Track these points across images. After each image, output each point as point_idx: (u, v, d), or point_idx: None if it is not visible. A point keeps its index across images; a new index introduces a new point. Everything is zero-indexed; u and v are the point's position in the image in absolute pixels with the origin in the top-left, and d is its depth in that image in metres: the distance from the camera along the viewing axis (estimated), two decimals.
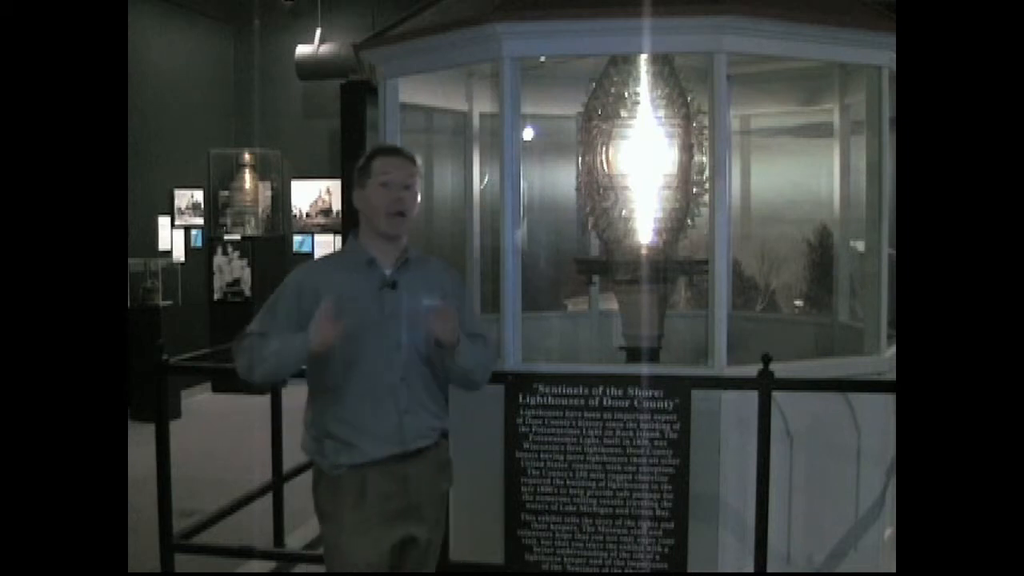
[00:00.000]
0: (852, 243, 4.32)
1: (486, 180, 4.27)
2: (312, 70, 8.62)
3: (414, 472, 2.55)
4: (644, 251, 3.85)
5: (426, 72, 3.90)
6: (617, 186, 3.88)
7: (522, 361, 3.43)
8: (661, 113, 3.83)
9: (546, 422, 3.21)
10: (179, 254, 8.65)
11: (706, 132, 3.58)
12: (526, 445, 3.22)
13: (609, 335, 4.66)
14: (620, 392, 3.16)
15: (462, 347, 2.52)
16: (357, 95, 7.71)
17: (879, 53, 3.55)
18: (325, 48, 8.57)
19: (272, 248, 9.05)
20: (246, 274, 8.84)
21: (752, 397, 3.11)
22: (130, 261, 7.48)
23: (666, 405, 3.13)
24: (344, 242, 2.79)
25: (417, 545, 2.59)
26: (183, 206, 8.76)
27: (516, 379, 3.24)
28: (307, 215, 9.29)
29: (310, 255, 8.87)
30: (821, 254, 5.83)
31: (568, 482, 3.19)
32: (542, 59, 3.98)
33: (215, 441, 6.95)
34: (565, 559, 3.20)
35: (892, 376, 3.50)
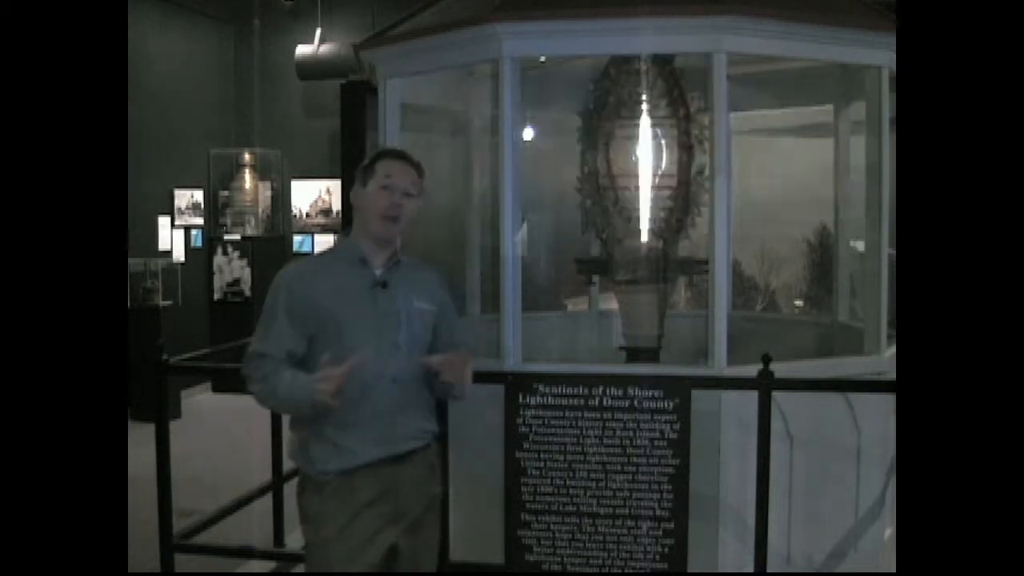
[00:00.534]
0: (852, 243, 4.32)
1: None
2: (312, 70, 8.62)
3: (404, 476, 2.51)
4: (644, 251, 3.85)
5: (426, 72, 3.90)
6: (617, 186, 3.89)
7: (522, 361, 3.43)
8: (661, 113, 3.83)
9: (546, 422, 3.21)
10: (179, 254, 8.65)
11: (706, 132, 3.58)
12: (526, 445, 3.22)
13: (609, 335, 4.66)
14: (620, 392, 3.15)
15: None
16: (357, 95, 7.71)
17: (879, 53, 3.55)
18: (325, 48, 8.56)
19: (272, 248, 9.05)
20: (246, 274, 8.85)
21: (752, 397, 3.11)
22: (130, 261, 7.48)
23: (666, 405, 3.12)
24: (340, 238, 2.78)
25: (409, 551, 2.54)
26: (183, 206, 8.76)
27: (516, 379, 3.24)
28: (307, 215, 9.29)
29: (310, 255, 8.87)
30: (821, 254, 5.84)
31: (568, 482, 3.19)
32: (542, 59, 3.98)
33: (215, 441, 6.95)
34: (565, 559, 3.20)
35: (892, 376, 3.50)
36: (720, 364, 3.31)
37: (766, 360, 3.09)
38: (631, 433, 3.14)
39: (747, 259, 6.22)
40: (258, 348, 2.50)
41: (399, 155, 2.67)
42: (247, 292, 8.79)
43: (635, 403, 3.14)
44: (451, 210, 4.78)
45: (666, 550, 3.13)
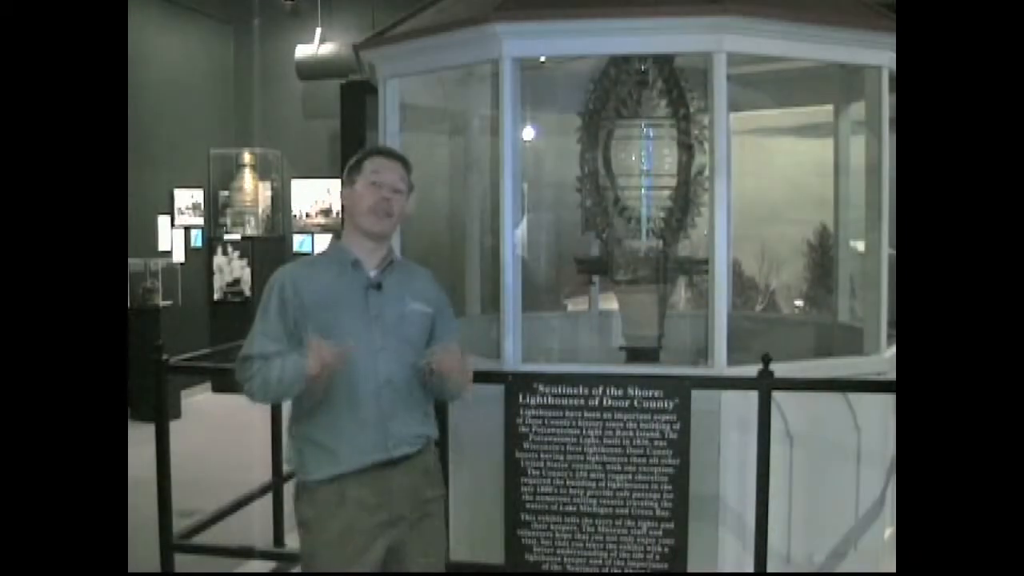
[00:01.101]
0: (852, 243, 4.32)
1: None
2: (312, 70, 8.62)
3: (398, 481, 2.48)
4: (644, 251, 3.85)
5: (426, 72, 3.90)
6: (617, 186, 3.89)
7: (522, 361, 3.43)
8: (661, 113, 3.83)
9: (546, 422, 3.21)
10: (179, 254, 8.65)
11: (706, 132, 3.58)
12: (526, 445, 3.22)
13: (609, 335, 4.66)
14: (620, 392, 3.15)
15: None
16: (357, 95, 7.71)
17: (879, 53, 3.55)
18: (325, 48, 8.56)
19: (272, 248, 9.05)
20: (246, 274, 8.84)
21: (752, 397, 3.11)
22: (130, 261, 7.48)
23: (666, 405, 3.12)
24: (332, 241, 2.76)
25: (412, 554, 2.51)
26: (183, 206, 8.75)
27: (516, 379, 3.24)
28: (307, 215, 9.29)
29: (303, 258, 8.86)
30: (821, 254, 5.84)
31: (568, 482, 3.19)
32: (542, 59, 3.98)
33: (215, 441, 6.95)
34: (565, 559, 3.20)
35: (892, 376, 3.50)
36: (720, 364, 3.31)
37: (766, 360, 3.09)
38: (631, 433, 3.14)
39: (747, 259, 6.22)
40: (246, 351, 2.49)
41: (386, 152, 2.67)
42: (247, 292, 8.79)
43: (635, 403, 3.14)
44: (451, 210, 4.78)
45: (666, 550, 3.13)
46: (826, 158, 4.41)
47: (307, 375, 2.34)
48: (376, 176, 2.53)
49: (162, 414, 3.70)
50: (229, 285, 8.88)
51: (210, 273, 8.91)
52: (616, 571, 3.16)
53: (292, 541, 4.33)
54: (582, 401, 3.18)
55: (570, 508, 3.20)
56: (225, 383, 8.30)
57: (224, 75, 9.36)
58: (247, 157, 9.09)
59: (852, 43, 3.49)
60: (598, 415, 3.17)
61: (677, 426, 3.12)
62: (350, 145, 7.57)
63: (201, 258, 8.91)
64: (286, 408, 2.72)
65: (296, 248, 9.21)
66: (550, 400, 3.20)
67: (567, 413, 3.19)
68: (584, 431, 3.18)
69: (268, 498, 4.33)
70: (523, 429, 3.22)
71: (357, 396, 2.44)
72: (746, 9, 3.23)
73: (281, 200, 9.31)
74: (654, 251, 3.85)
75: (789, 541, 3.47)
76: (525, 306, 3.48)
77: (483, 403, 3.15)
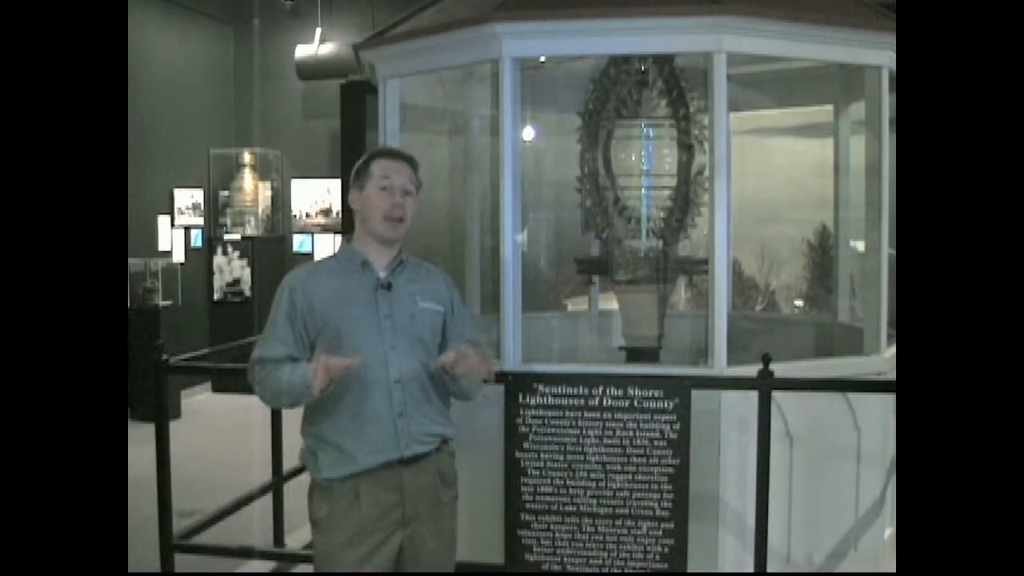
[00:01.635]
0: (852, 243, 4.32)
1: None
2: (312, 70, 8.61)
3: (411, 480, 2.48)
4: (644, 251, 3.85)
5: (426, 72, 3.90)
6: (617, 186, 3.89)
7: (522, 361, 3.43)
8: (661, 113, 3.83)
9: (546, 422, 3.21)
10: (179, 254, 8.65)
11: (706, 132, 3.58)
12: (526, 445, 3.22)
13: (609, 335, 4.67)
14: (620, 392, 3.16)
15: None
16: (357, 95, 7.71)
17: (879, 53, 3.55)
18: (325, 48, 8.56)
19: (272, 248, 9.05)
20: (246, 274, 8.84)
21: (752, 397, 3.11)
22: (130, 261, 7.48)
23: (666, 405, 3.13)
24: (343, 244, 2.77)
25: (419, 557, 2.51)
26: (183, 206, 8.75)
27: (516, 379, 3.24)
28: (307, 215, 9.29)
29: (310, 255, 8.86)
30: (821, 254, 5.84)
31: (568, 482, 3.19)
32: (542, 59, 3.98)
33: (215, 441, 6.95)
34: (565, 559, 3.20)
35: (892, 376, 3.50)
36: (720, 364, 3.31)
37: (766, 360, 3.09)
38: (631, 433, 3.14)
39: (747, 259, 6.22)
40: (258, 354, 2.51)
41: (393, 153, 2.67)
42: (247, 292, 8.79)
43: (635, 403, 3.14)
44: (451, 210, 4.78)
45: (666, 550, 3.13)
46: (826, 158, 4.41)
47: (314, 390, 2.34)
48: (386, 180, 2.53)
49: (162, 414, 3.70)
50: (229, 285, 8.88)
51: (210, 273, 8.91)
52: (616, 571, 3.16)
53: (292, 541, 4.33)
54: (582, 401, 3.18)
55: (570, 508, 3.20)
56: (225, 383, 8.32)
57: (224, 75, 9.36)
58: (247, 157, 9.09)
59: (852, 43, 3.49)
60: (598, 415, 3.17)
61: (677, 426, 3.12)
62: (350, 145, 7.57)
63: (201, 258, 8.90)
64: (287, 409, 2.73)
65: (296, 248, 9.21)
66: (550, 400, 3.20)
67: (567, 413, 3.19)
68: (584, 431, 3.18)
69: (268, 498, 4.32)
70: (523, 429, 3.22)
71: (368, 395, 2.45)
72: (746, 9, 3.23)
73: (281, 200, 9.31)
74: (654, 251, 3.85)
75: (789, 541, 3.47)
76: (525, 306, 3.48)
77: (483, 403, 3.15)
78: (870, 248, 3.79)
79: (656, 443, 3.13)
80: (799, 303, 6.42)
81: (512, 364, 3.38)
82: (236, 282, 8.86)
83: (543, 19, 3.33)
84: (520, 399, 3.22)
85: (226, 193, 9.10)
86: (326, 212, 9.22)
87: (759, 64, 4.08)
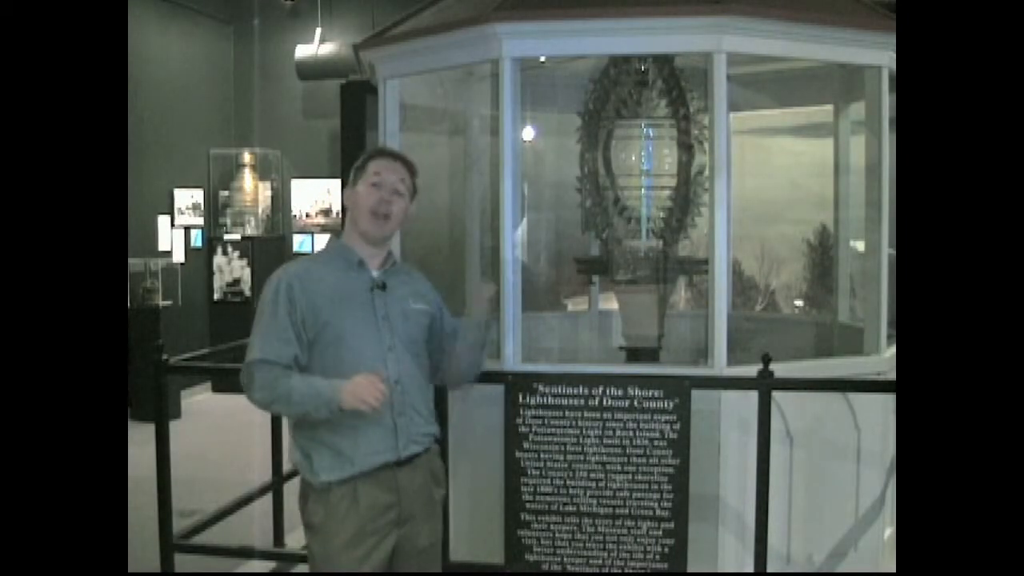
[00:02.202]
0: (852, 243, 4.32)
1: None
2: (312, 70, 8.62)
3: (406, 480, 2.49)
4: (644, 251, 3.85)
5: (426, 72, 3.90)
6: (617, 186, 3.89)
7: (522, 361, 3.43)
8: (661, 113, 3.83)
9: (546, 422, 3.21)
10: (179, 254, 8.65)
11: (706, 132, 3.58)
12: (526, 445, 3.22)
13: (609, 335, 4.66)
14: (620, 392, 3.15)
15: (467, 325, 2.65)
16: (357, 95, 7.70)
17: (879, 53, 3.55)
18: (325, 48, 8.57)
19: (272, 248, 9.05)
20: (246, 274, 8.85)
21: (752, 397, 3.11)
22: (130, 261, 7.48)
23: (666, 405, 3.12)
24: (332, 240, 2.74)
25: (412, 555, 2.53)
26: (183, 206, 8.76)
27: (516, 379, 3.24)
28: (307, 215, 9.29)
29: (303, 257, 8.86)
30: (821, 254, 5.84)
31: (568, 482, 3.19)
32: (542, 59, 3.98)
33: (215, 441, 6.95)
34: (565, 559, 3.20)
35: (892, 376, 3.50)
36: (720, 364, 3.31)
37: (766, 360, 3.09)
38: (631, 433, 3.14)
39: (747, 259, 6.22)
40: (259, 355, 2.42)
41: (390, 154, 2.68)
42: (247, 292, 8.79)
43: (635, 403, 3.14)
44: (451, 210, 4.77)
45: (666, 550, 3.13)
46: (826, 158, 4.41)
47: (338, 408, 2.33)
48: (377, 177, 2.54)
49: (162, 414, 3.69)
50: (229, 285, 8.88)
51: (210, 273, 8.92)
52: (616, 571, 3.16)
53: (292, 541, 4.33)
54: (582, 401, 3.18)
55: (570, 508, 3.20)
56: (225, 383, 8.31)
57: (224, 75, 9.36)
58: (247, 157, 9.09)
59: (852, 43, 3.49)
60: (598, 415, 3.17)
61: (677, 426, 3.12)
62: (350, 145, 7.57)
63: (201, 258, 8.91)
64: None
65: (296, 248, 9.22)
66: (550, 400, 3.20)
67: (567, 413, 3.19)
68: (584, 431, 3.18)
69: (268, 498, 4.32)
70: (523, 429, 3.22)
71: None
72: (746, 9, 3.23)
73: (281, 200, 9.31)
74: (654, 251, 3.85)
75: (789, 541, 3.47)
76: (525, 306, 3.48)
77: (483, 403, 3.15)
78: (870, 248, 3.79)
79: (656, 443, 3.13)
80: (799, 303, 6.42)
81: (512, 364, 3.38)
82: (236, 282, 8.87)
83: (543, 19, 3.33)
84: (520, 399, 3.22)
85: (226, 193, 9.10)
86: (326, 212, 9.22)
87: (759, 64, 4.08)
